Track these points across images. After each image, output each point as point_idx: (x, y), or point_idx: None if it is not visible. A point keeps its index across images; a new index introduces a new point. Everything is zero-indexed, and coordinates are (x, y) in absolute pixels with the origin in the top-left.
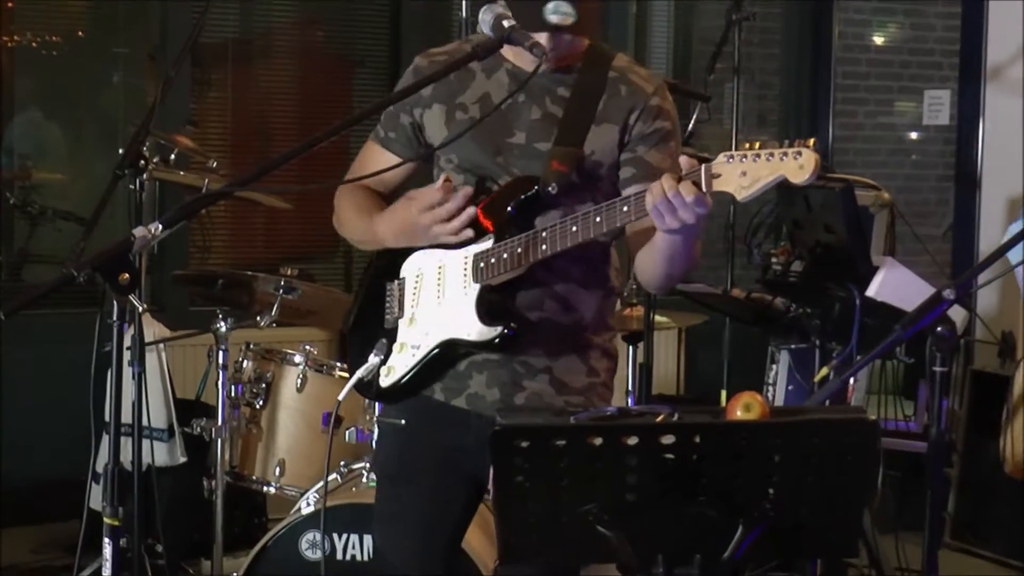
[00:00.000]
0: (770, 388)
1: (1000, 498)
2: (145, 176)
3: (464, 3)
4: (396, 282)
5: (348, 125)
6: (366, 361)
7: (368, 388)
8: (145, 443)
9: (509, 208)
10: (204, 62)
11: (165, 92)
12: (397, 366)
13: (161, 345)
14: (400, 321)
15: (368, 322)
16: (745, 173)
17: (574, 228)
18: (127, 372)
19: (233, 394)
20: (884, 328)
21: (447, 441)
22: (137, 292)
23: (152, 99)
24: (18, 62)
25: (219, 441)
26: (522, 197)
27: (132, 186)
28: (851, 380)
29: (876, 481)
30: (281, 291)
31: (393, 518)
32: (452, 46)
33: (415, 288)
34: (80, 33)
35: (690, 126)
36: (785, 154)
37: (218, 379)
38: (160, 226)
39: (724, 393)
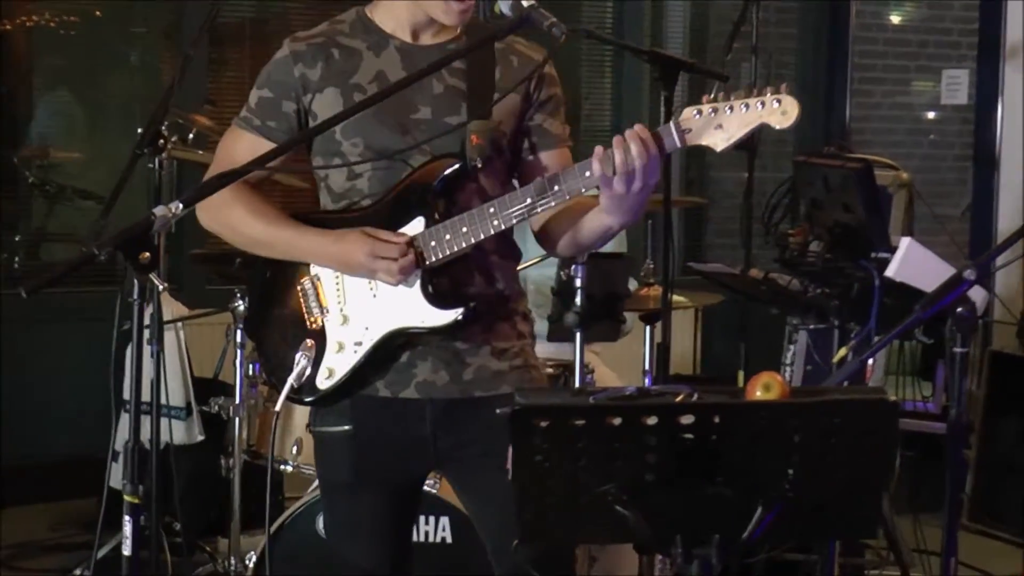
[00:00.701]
0: (788, 369)
1: (1018, 479)
2: (164, 155)
3: None
4: (307, 279)
5: (370, 103)
6: (285, 366)
7: (300, 393)
8: (163, 421)
9: (435, 187)
10: (221, 41)
11: (183, 72)
12: (337, 367)
13: (179, 324)
14: (327, 320)
15: (271, 324)
16: (721, 126)
17: (528, 199)
18: (146, 350)
19: (251, 372)
20: (903, 308)
21: (401, 437)
22: (157, 271)
23: (169, 79)
24: (36, 42)
25: (236, 420)
26: (449, 174)
27: (151, 165)
28: (869, 361)
29: (895, 462)
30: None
31: (354, 527)
32: (322, 27)
33: (337, 284)
34: (97, 13)
35: None
36: (763, 102)
37: (235, 358)
38: (180, 205)
39: (741, 374)
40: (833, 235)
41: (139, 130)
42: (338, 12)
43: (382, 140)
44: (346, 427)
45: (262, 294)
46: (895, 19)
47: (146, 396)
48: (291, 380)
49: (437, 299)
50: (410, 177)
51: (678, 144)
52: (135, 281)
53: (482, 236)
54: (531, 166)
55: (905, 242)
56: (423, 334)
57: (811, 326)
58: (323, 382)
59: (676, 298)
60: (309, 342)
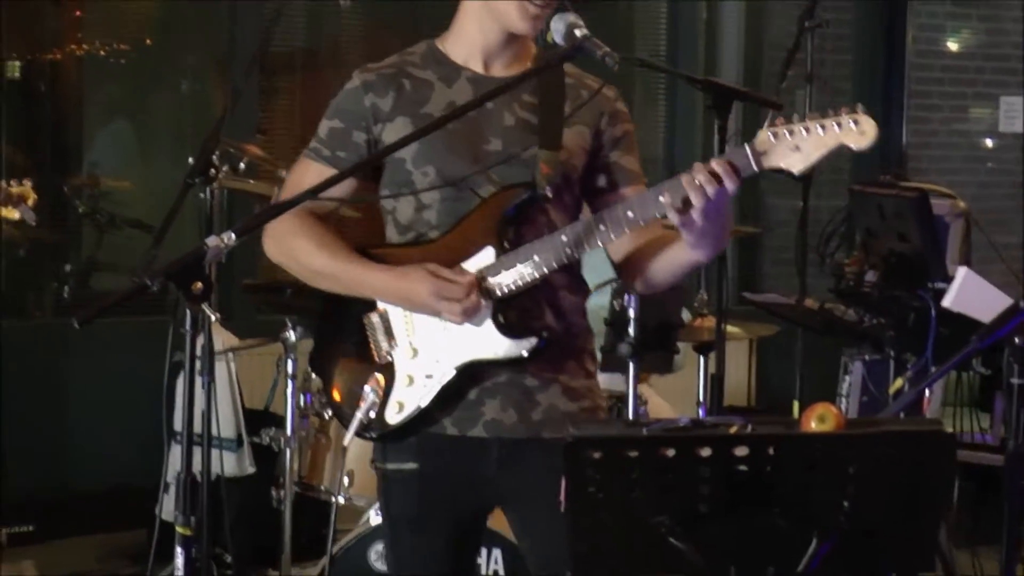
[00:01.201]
0: (843, 400)
1: None
2: (215, 185)
3: None
4: (375, 314)
5: (420, 135)
6: (350, 399)
7: (368, 429)
8: (214, 453)
9: (506, 216)
10: (272, 71)
11: (234, 101)
12: (407, 400)
13: (230, 354)
14: (396, 354)
15: (337, 359)
16: (798, 147)
17: (602, 227)
18: (196, 380)
19: (302, 404)
20: (959, 339)
21: (466, 474)
22: (209, 301)
23: (220, 107)
24: (87, 71)
25: (288, 451)
26: (519, 203)
27: (202, 195)
28: (926, 392)
29: (952, 494)
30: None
31: (418, 563)
32: (392, 59)
33: (405, 316)
34: (148, 42)
35: None
36: (839, 123)
37: (287, 388)
38: (232, 235)
39: (796, 404)
40: (888, 264)
41: (190, 159)
42: (386, 39)
43: (454, 170)
44: (412, 464)
45: (327, 328)
46: (952, 45)
47: (197, 427)
48: (359, 415)
49: (509, 330)
50: (480, 207)
51: (754, 168)
52: (187, 311)
53: (555, 264)
54: (607, 203)
55: (962, 272)
56: (496, 366)
57: (867, 357)
58: (393, 416)
59: (730, 329)
60: (378, 376)
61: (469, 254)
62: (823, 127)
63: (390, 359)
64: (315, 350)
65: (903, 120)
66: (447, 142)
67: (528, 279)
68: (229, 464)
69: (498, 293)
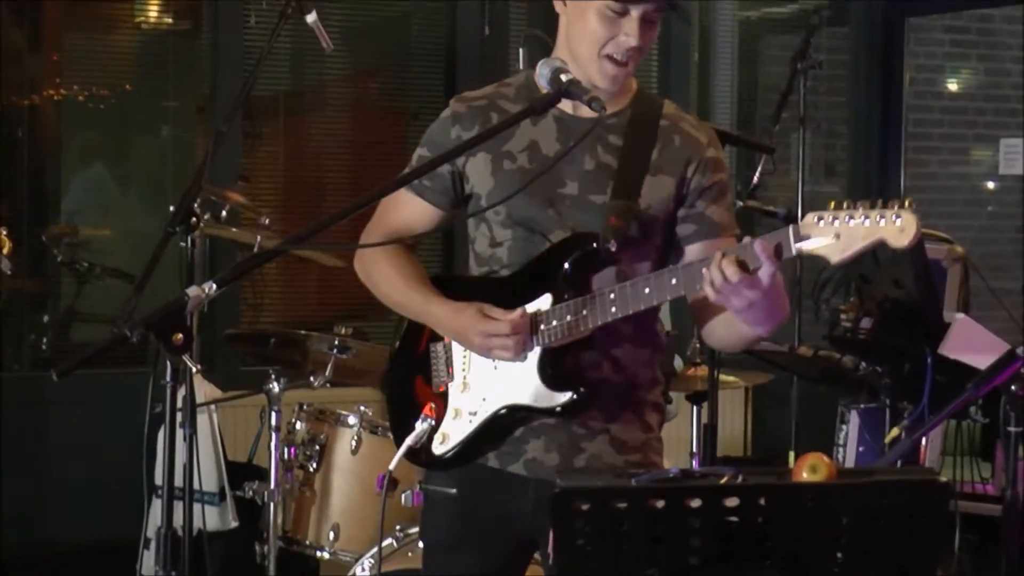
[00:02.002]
0: (840, 449)
1: None
2: (196, 233)
3: (521, 55)
4: (441, 344)
5: (405, 182)
6: (408, 424)
7: (417, 455)
8: (196, 507)
9: (566, 266)
10: (255, 115)
11: (216, 146)
12: (452, 433)
13: (212, 406)
14: (451, 386)
15: (402, 383)
16: (839, 236)
17: (646, 290)
18: (178, 433)
19: (286, 456)
20: (957, 387)
21: (502, 507)
22: (190, 352)
23: (202, 153)
24: (65, 116)
25: (272, 505)
26: (580, 254)
27: (183, 243)
28: (924, 441)
29: (949, 544)
30: (335, 351)
31: None
32: (489, 89)
33: (464, 352)
34: (128, 86)
35: (755, 178)
36: (882, 216)
37: (270, 441)
38: (214, 285)
39: (792, 455)
40: (883, 311)
41: (171, 207)
42: (371, 83)
43: (525, 211)
44: (452, 490)
45: (401, 351)
46: (951, 86)
47: (178, 481)
48: (409, 441)
49: (551, 380)
50: (545, 252)
51: (794, 253)
52: (168, 363)
53: (599, 322)
54: (692, 255)
55: (958, 318)
56: (539, 412)
57: (862, 405)
58: (438, 447)
59: (724, 377)
60: (432, 405)
61: (529, 298)
62: (867, 218)
63: (445, 390)
64: (387, 371)
65: (901, 163)
66: (522, 181)
67: (575, 332)
68: (212, 519)
69: (546, 340)
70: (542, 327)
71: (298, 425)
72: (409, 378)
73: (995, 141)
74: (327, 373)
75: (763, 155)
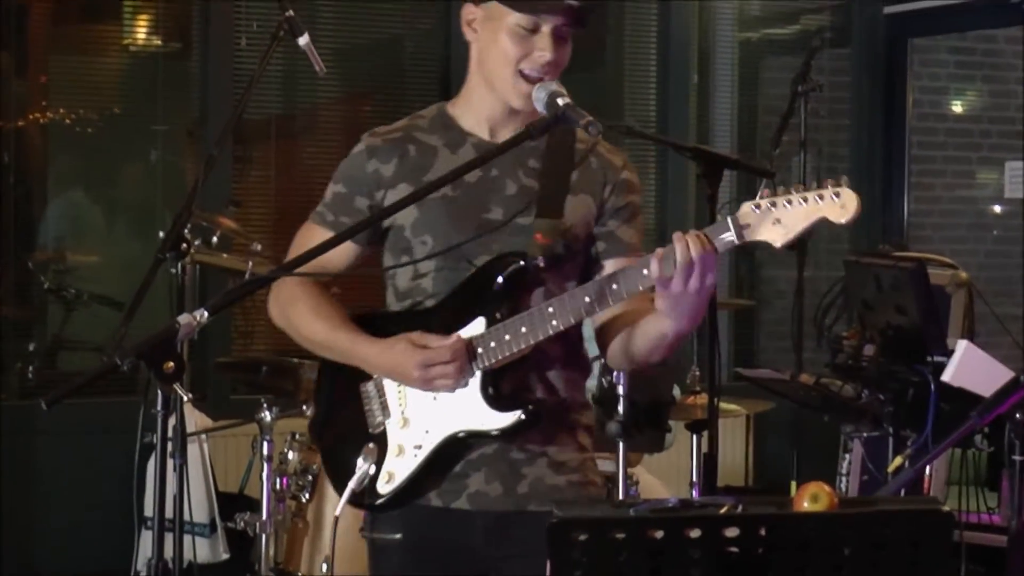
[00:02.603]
0: (843, 479)
1: None
2: (187, 260)
3: None
4: (371, 383)
5: (400, 207)
6: (348, 468)
7: (361, 498)
8: (186, 539)
9: (499, 281)
10: (247, 139)
11: (207, 171)
12: (397, 471)
13: (203, 436)
14: (389, 424)
15: (335, 427)
16: (780, 220)
17: (586, 298)
18: (168, 463)
19: (278, 487)
20: (961, 415)
21: (451, 545)
22: (181, 381)
23: (192, 178)
24: (51, 140)
25: (264, 536)
26: (511, 271)
27: (173, 270)
28: (928, 470)
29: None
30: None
31: None
32: (402, 122)
33: (399, 387)
34: (116, 109)
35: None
36: (821, 196)
37: (262, 471)
38: (205, 313)
39: (794, 484)
40: (886, 338)
41: (161, 233)
42: (364, 106)
43: (451, 239)
44: (396, 535)
45: (328, 397)
46: (955, 108)
47: (169, 512)
48: (352, 484)
49: (496, 401)
50: (472, 276)
51: (736, 240)
52: (158, 392)
53: (541, 336)
54: (598, 273)
55: (962, 345)
56: (484, 438)
57: (865, 434)
58: (383, 486)
59: (725, 405)
60: (371, 446)
61: (461, 324)
62: (805, 200)
63: (383, 429)
64: (315, 418)
65: (904, 187)
66: (448, 211)
67: (515, 350)
68: (202, 551)
69: (486, 363)
70: (479, 350)
71: (290, 455)
72: (341, 421)
73: (1000, 164)
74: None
75: (763, 180)
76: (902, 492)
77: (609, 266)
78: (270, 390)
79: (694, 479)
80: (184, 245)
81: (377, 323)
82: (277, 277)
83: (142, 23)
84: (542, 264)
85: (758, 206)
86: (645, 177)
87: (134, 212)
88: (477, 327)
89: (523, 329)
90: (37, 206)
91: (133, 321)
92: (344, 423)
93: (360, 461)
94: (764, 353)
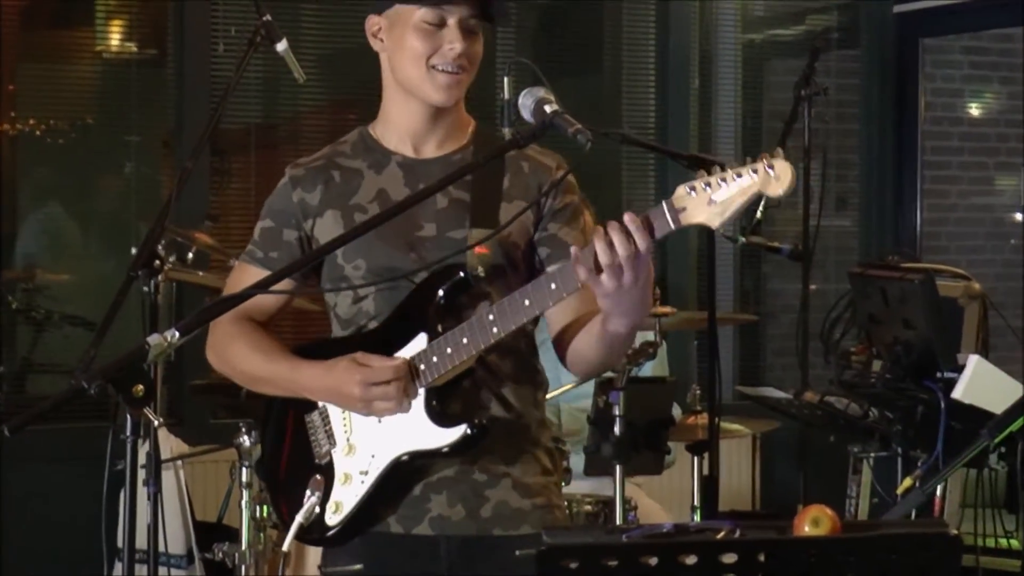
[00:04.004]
0: (852, 501)
1: None
2: (160, 277)
3: (505, 84)
4: (316, 413)
5: (383, 220)
6: (292, 502)
7: (310, 532)
8: (161, 571)
9: (440, 295)
10: (224, 150)
11: (182, 184)
12: (344, 499)
13: (179, 462)
14: (335, 452)
15: (282, 462)
16: (713, 200)
17: (526, 301)
18: (141, 492)
19: (258, 515)
20: (973, 433)
21: (414, 573)
22: (152, 405)
23: (168, 191)
24: (20, 151)
25: (243, 567)
26: (451, 284)
27: (146, 288)
28: (939, 491)
29: None
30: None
31: None
32: (324, 150)
33: (344, 413)
34: (88, 119)
35: (758, 213)
36: (755, 170)
37: (241, 499)
38: (176, 333)
39: (801, 508)
40: (894, 354)
41: (133, 249)
42: (347, 114)
43: (385, 260)
44: (357, 566)
45: (272, 432)
46: (971, 111)
47: (142, 543)
48: (299, 517)
49: (440, 417)
50: (412, 294)
51: (672, 226)
52: (128, 416)
53: (483, 345)
54: None
55: (973, 360)
56: (436, 458)
57: (873, 454)
58: (331, 517)
59: (728, 425)
60: (318, 477)
61: (404, 342)
62: (739, 176)
63: (330, 458)
64: (262, 454)
65: (917, 194)
66: (377, 231)
67: (457, 362)
68: None
69: (429, 379)
70: (422, 367)
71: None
72: (288, 458)
73: (1019, 169)
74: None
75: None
76: (912, 515)
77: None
78: (249, 414)
79: (695, 503)
80: (157, 262)
81: (320, 352)
82: (254, 294)
83: (115, 28)
84: (482, 274)
85: (693, 188)
86: (644, 186)
87: (107, 227)
88: (419, 344)
89: (464, 340)
90: (4, 221)
91: (105, 342)
92: (290, 458)
93: (307, 493)
94: (771, 370)
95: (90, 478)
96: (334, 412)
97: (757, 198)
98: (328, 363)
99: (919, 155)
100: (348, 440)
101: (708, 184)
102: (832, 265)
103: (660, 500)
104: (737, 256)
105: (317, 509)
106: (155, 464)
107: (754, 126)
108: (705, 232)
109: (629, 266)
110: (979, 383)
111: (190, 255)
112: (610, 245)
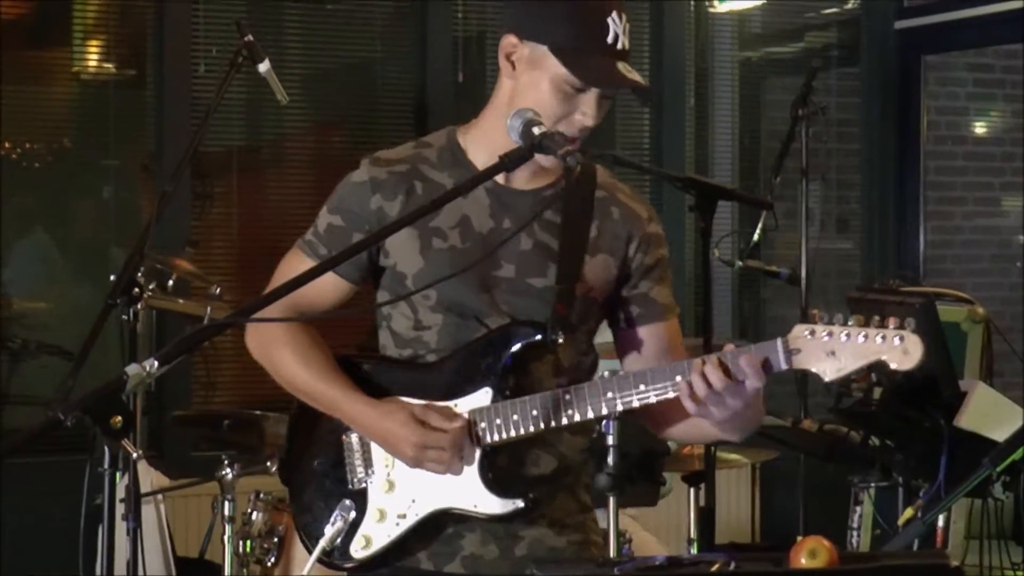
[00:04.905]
0: (854, 533)
1: None
2: (140, 305)
3: None
4: (356, 436)
5: (371, 243)
6: (320, 520)
7: (331, 555)
8: None
9: (508, 357)
10: (206, 173)
11: (162, 208)
12: (375, 536)
13: (159, 496)
14: (371, 483)
15: (309, 473)
16: (834, 353)
17: (608, 394)
18: (120, 527)
19: (241, 550)
20: (976, 462)
21: None
22: (131, 436)
23: (147, 216)
24: None
25: None
26: (525, 345)
27: (125, 317)
28: (941, 522)
29: None
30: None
31: None
32: (407, 150)
33: None
34: (66, 142)
35: (755, 236)
36: (883, 336)
37: (224, 533)
38: (156, 363)
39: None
40: (894, 380)
41: (112, 276)
42: (332, 136)
43: (457, 295)
44: None
45: (303, 436)
46: (976, 130)
47: None
48: (323, 543)
49: (496, 485)
50: (482, 339)
51: (784, 366)
52: (106, 449)
53: (553, 424)
54: (631, 339)
55: (976, 386)
56: (477, 520)
57: (873, 484)
58: (358, 551)
59: (726, 455)
60: (348, 503)
61: (465, 391)
62: (865, 336)
63: (364, 487)
64: (285, 458)
65: (920, 216)
66: (454, 264)
67: (522, 432)
68: None
69: (488, 440)
70: (483, 425)
71: (254, 515)
72: (316, 468)
73: None
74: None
75: (763, 211)
76: (914, 546)
77: (644, 333)
78: (233, 446)
79: (692, 535)
80: (136, 290)
81: (368, 369)
82: (236, 322)
83: (93, 48)
84: (561, 340)
85: (812, 332)
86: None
87: (85, 254)
88: (482, 399)
89: (534, 412)
90: None
91: (83, 372)
92: (319, 470)
93: (335, 517)
94: (772, 398)
95: (67, 513)
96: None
97: (876, 366)
98: (385, 407)
99: (922, 175)
100: (388, 476)
101: (830, 333)
102: (833, 289)
103: (656, 533)
104: (736, 281)
105: (343, 536)
106: (135, 498)
107: (752, 146)
108: (701, 256)
109: (732, 395)
110: (982, 410)
111: (170, 282)
112: (702, 383)
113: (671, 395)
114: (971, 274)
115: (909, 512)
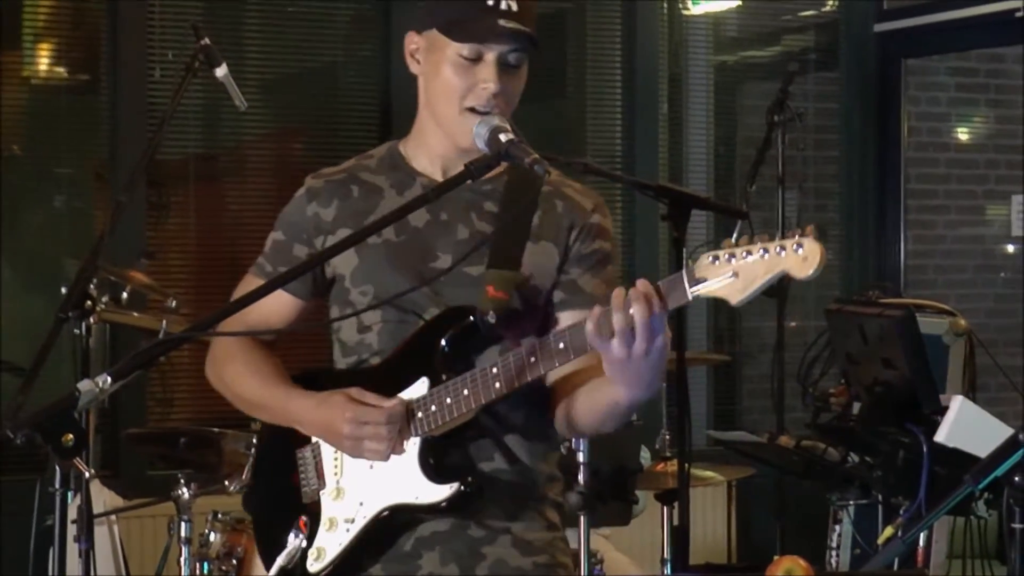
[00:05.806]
0: (833, 552)
1: None
2: (93, 319)
3: None
4: (308, 449)
5: (317, 262)
6: (280, 545)
7: (291, 575)
8: None
9: (442, 344)
10: (162, 182)
11: (116, 218)
12: (327, 547)
13: (113, 516)
14: (323, 494)
15: (268, 499)
16: (737, 274)
17: (532, 358)
18: (72, 549)
19: (199, 573)
20: (958, 479)
21: None
22: (84, 455)
23: (100, 227)
24: None
25: None
26: (457, 330)
27: (78, 331)
28: (922, 540)
29: None
30: (253, 450)
31: None
32: (348, 162)
33: (335, 453)
34: (16, 148)
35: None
36: (782, 247)
37: (180, 555)
38: (109, 379)
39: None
40: (873, 395)
41: (63, 289)
42: (293, 143)
43: (394, 289)
44: None
45: (264, 463)
46: (959, 136)
47: None
48: (279, 561)
49: (434, 472)
50: (418, 332)
51: (688, 298)
52: (57, 468)
53: (484, 400)
54: (552, 324)
55: (957, 401)
56: (420, 513)
57: (852, 502)
58: (312, 564)
59: (700, 472)
60: (303, 519)
61: (405, 384)
62: (765, 251)
63: (317, 499)
64: (248, 488)
65: (901, 225)
66: (389, 258)
67: (456, 415)
68: None
69: (425, 428)
70: (419, 414)
71: (212, 537)
72: (275, 493)
73: (1009, 198)
74: (244, 476)
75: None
76: (894, 565)
77: (565, 319)
78: (190, 464)
79: (665, 555)
80: (89, 303)
81: (320, 382)
82: (192, 336)
83: (44, 52)
84: (493, 321)
85: (716, 257)
86: (612, 217)
87: (36, 265)
88: (420, 388)
89: (465, 392)
90: None
91: (34, 388)
92: (278, 493)
93: (291, 536)
94: (747, 414)
95: (17, 535)
96: (326, 451)
97: (780, 277)
98: (322, 395)
99: (903, 183)
100: (337, 483)
101: (731, 255)
102: (812, 301)
103: (628, 552)
104: None
105: (300, 554)
106: (87, 519)
107: (727, 154)
108: (675, 267)
109: (642, 335)
110: (964, 426)
111: (124, 295)
112: (624, 313)
113: (589, 349)
114: (954, 285)
115: (889, 531)
